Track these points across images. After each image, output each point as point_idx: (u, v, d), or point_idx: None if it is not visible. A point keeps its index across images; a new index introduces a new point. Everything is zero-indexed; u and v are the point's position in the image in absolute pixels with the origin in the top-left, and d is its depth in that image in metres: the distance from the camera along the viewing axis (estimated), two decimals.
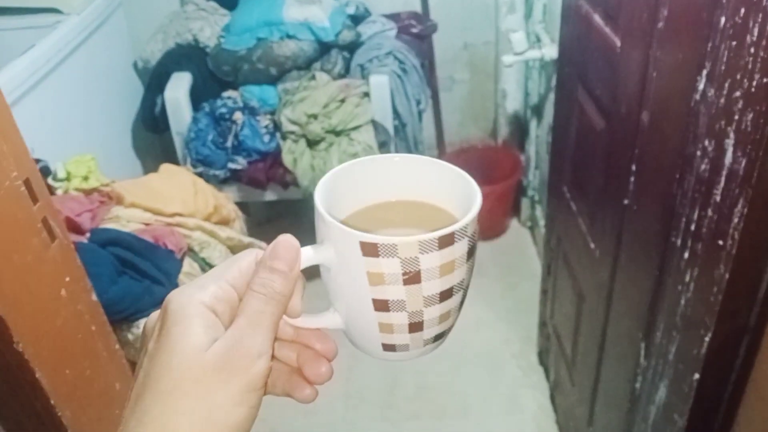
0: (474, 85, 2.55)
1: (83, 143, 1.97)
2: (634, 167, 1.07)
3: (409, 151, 2.09)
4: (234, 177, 2.00)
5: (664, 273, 0.99)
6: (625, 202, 1.11)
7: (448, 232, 0.40)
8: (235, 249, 1.32)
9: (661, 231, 0.98)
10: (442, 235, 0.39)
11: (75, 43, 1.94)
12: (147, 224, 1.22)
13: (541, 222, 2.32)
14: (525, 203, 2.45)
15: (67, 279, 0.76)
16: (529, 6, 2.16)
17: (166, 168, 1.40)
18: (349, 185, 0.47)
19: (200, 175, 1.97)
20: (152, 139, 2.31)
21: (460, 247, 0.41)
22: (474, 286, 1.88)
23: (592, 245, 1.33)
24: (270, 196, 2.05)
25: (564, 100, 1.49)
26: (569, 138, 1.46)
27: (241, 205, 1.90)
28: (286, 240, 0.41)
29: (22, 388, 0.71)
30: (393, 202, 0.49)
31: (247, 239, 1.34)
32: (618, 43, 1.11)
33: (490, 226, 2.46)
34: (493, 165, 2.46)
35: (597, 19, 1.21)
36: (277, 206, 2.49)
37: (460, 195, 0.46)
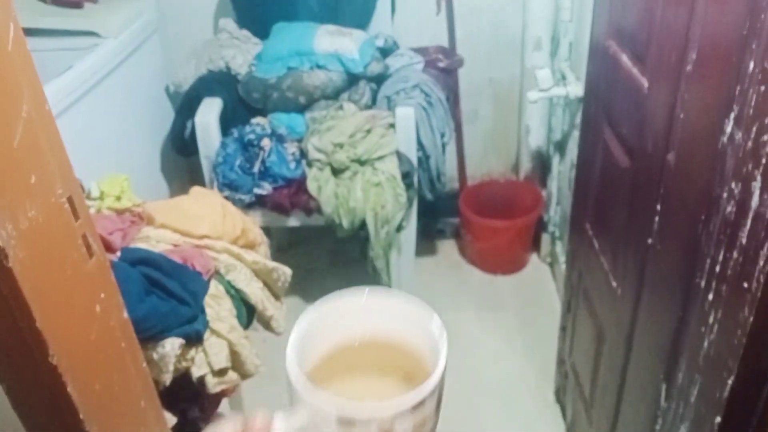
0: (498, 119, 2.57)
1: (115, 163, 2.02)
2: (658, 207, 1.08)
3: (432, 183, 2.11)
4: (259, 202, 2.03)
5: (688, 314, 0.99)
6: (649, 241, 1.12)
7: (420, 399, 0.43)
8: (259, 273, 1.34)
9: (685, 271, 0.98)
10: (415, 404, 0.42)
11: (111, 65, 2.00)
12: (176, 245, 1.25)
13: (561, 258, 2.32)
14: (545, 239, 2.46)
15: (102, 295, 0.78)
16: (555, 44, 2.19)
17: (196, 190, 1.43)
18: (320, 327, 0.50)
19: (226, 199, 2.00)
20: (180, 161, 2.36)
21: (431, 404, 0.44)
22: (492, 319, 1.90)
23: (614, 283, 1.33)
24: (293, 222, 2.08)
25: (589, 137, 1.50)
26: (593, 175, 1.47)
27: (265, 230, 1.92)
28: (264, 416, 0.44)
29: (53, 401, 0.73)
30: (363, 345, 0.52)
31: (272, 264, 1.36)
32: (645, 84, 1.12)
33: (509, 260, 2.46)
34: (514, 199, 2.48)
35: (625, 59, 1.23)
36: (299, 232, 2.52)
37: (428, 335, 0.50)
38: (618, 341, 1.32)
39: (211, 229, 1.30)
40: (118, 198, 1.30)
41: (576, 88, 1.94)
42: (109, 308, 0.81)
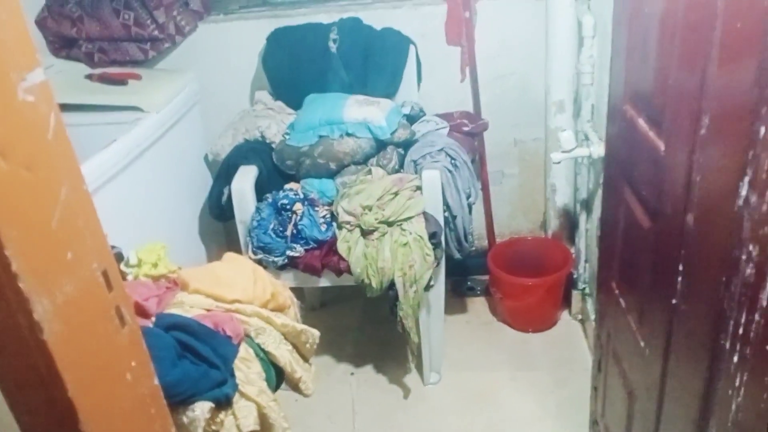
0: (524, 179, 2.61)
1: (155, 228, 2.10)
2: (681, 267, 1.08)
3: (459, 242, 2.14)
4: (291, 263, 2.08)
5: (715, 376, 0.98)
6: (674, 301, 1.12)
7: None
8: (288, 335, 1.37)
9: (710, 333, 0.98)
10: None
11: (153, 138, 2.11)
12: (208, 310, 1.29)
13: (592, 315, 2.30)
14: (575, 296, 2.44)
15: (133, 363, 0.82)
16: (578, 106, 2.24)
17: (229, 256, 1.48)
18: None
19: (260, 261, 2.06)
20: (217, 226, 2.44)
21: None
22: (524, 379, 1.90)
23: (642, 343, 1.32)
24: (324, 282, 2.12)
25: (611, 198, 1.52)
26: (617, 235, 1.48)
27: (297, 291, 1.96)
28: None
29: None
30: None
31: (300, 326, 1.39)
32: (662, 147, 1.15)
33: (540, 318, 2.44)
34: (543, 257, 2.48)
35: (641, 122, 1.26)
36: (331, 292, 2.55)
37: None
38: (649, 402, 1.30)
39: (242, 294, 1.34)
40: (155, 265, 1.36)
41: (599, 149, 1.97)
42: (140, 376, 0.85)
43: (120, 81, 2.26)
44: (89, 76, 2.32)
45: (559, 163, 2.10)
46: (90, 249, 0.75)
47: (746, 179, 0.84)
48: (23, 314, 0.64)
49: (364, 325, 2.59)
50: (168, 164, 2.23)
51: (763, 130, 0.79)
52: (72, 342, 0.71)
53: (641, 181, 1.29)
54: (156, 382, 0.90)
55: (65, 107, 2.18)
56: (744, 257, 0.85)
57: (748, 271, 0.85)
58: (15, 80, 0.61)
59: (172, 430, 0.94)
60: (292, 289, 1.78)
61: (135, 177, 1.99)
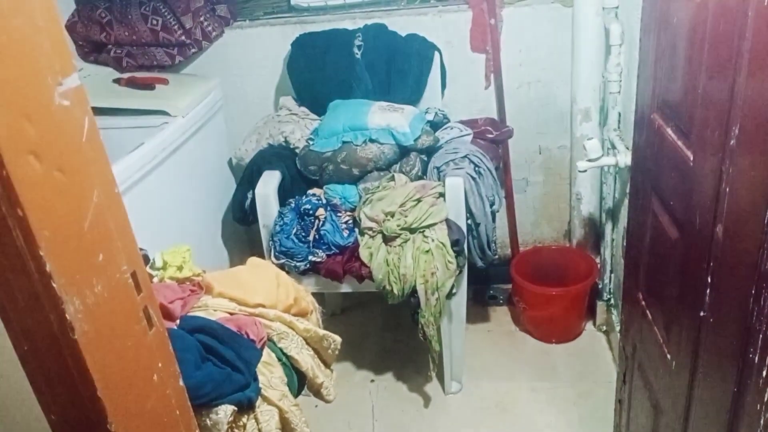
0: (548, 187, 2.59)
1: (180, 231, 2.13)
2: (709, 279, 1.07)
3: (482, 250, 2.13)
4: (313, 269, 2.08)
5: (744, 390, 0.96)
6: (702, 314, 1.10)
7: None
8: (310, 341, 1.38)
9: (739, 346, 0.96)
10: None
11: (179, 142, 2.14)
12: (232, 313, 1.30)
13: (617, 326, 2.27)
14: (600, 307, 2.41)
15: (160, 365, 0.83)
16: (604, 114, 2.22)
17: (252, 261, 1.49)
18: None
19: (282, 266, 2.07)
20: (241, 230, 2.46)
21: None
22: (546, 390, 1.89)
23: (669, 356, 1.30)
24: (346, 288, 2.12)
25: (637, 207, 1.50)
26: (643, 245, 1.46)
27: (318, 296, 1.97)
28: None
29: None
30: None
31: (322, 332, 1.40)
32: (691, 157, 1.13)
33: (564, 329, 2.42)
34: (567, 266, 2.45)
35: (669, 132, 1.25)
36: (353, 297, 2.56)
37: None
38: (675, 416, 1.28)
39: (266, 298, 1.35)
40: (180, 268, 1.37)
41: (626, 158, 1.95)
42: (166, 377, 0.86)
43: (147, 85, 2.30)
44: (117, 81, 2.36)
45: (584, 171, 2.08)
46: (120, 251, 0.76)
47: None
48: (55, 314, 0.66)
49: (384, 332, 2.59)
50: (193, 168, 2.25)
51: None
52: (102, 342, 0.72)
53: (669, 191, 1.28)
54: (181, 383, 0.91)
55: (94, 111, 2.23)
56: None
57: None
58: (52, 85, 0.63)
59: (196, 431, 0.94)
60: (314, 295, 1.79)
61: (161, 180, 2.02)
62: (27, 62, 0.60)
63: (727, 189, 0.98)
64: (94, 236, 0.70)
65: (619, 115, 2.10)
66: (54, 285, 0.64)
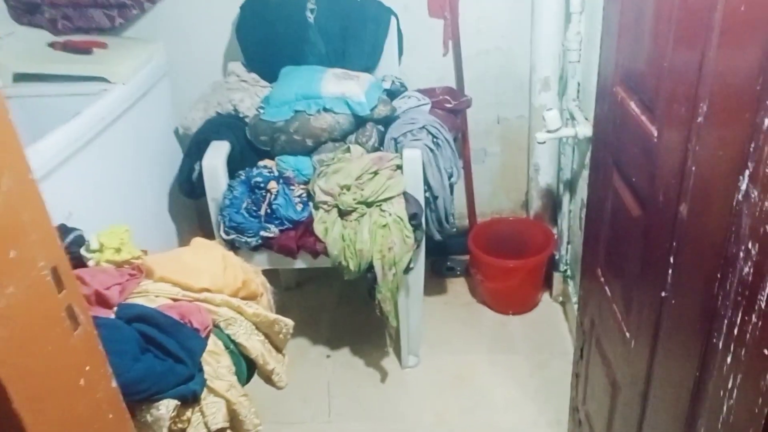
0: (506, 157, 2.55)
1: (121, 208, 2.01)
2: (672, 259, 1.04)
3: (440, 223, 2.08)
4: (266, 244, 2.00)
5: (706, 374, 0.94)
6: (663, 294, 1.08)
7: None
8: (260, 325, 1.31)
9: (702, 330, 0.94)
10: None
11: (120, 110, 2.01)
12: (175, 299, 1.22)
13: (574, 298, 2.27)
14: (557, 278, 2.41)
15: (87, 368, 0.75)
16: (563, 84, 2.18)
17: (197, 242, 1.40)
18: None
19: (232, 242, 1.98)
20: (189, 203, 2.35)
21: None
22: (503, 362, 1.86)
23: (628, 334, 1.28)
24: (300, 264, 2.05)
25: (598, 182, 1.47)
26: (603, 220, 1.43)
27: (272, 271, 1.90)
28: None
29: None
30: None
31: (273, 316, 1.33)
32: (655, 133, 1.09)
33: (521, 300, 2.41)
34: (524, 238, 2.44)
35: (633, 106, 1.20)
36: (307, 272, 2.49)
37: None
38: (633, 394, 1.27)
39: (211, 282, 1.27)
40: (118, 250, 1.28)
41: (585, 129, 1.92)
42: (96, 380, 0.78)
43: (85, 50, 2.14)
44: (52, 44, 2.20)
45: (543, 143, 2.05)
46: (36, 245, 0.67)
47: (746, 173, 0.79)
48: None
49: (340, 306, 2.54)
50: (135, 139, 2.13)
51: (767, 121, 0.74)
52: (16, 349, 0.64)
53: (631, 166, 1.24)
54: (114, 384, 0.83)
55: (26, 77, 2.07)
56: (742, 255, 0.81)
57: (746, 269, 0.80)
58: None
59: None
60: (267, 271, 1.72)
61: (100, 152, 1.90)
62: None
63: (693, 167, 0.95)
64: (3, 230, 0.62)
65: (579, 85, 2.06)
66: None
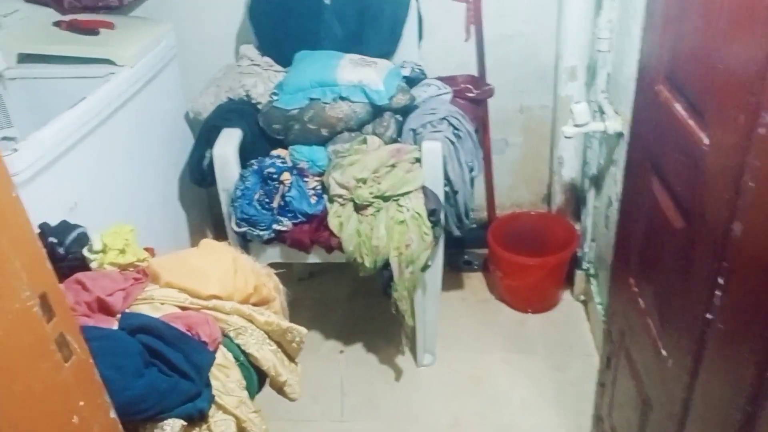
0: (528, 148, 2.45)
1: (130, 195, 1.94)
2: (721, 281, 0.95)
3: (459, 219, 1.99)
4: (278, 237, 1.93)
5: (758, 410, 0.86)
6: (708, 316, 0.99)
7: None
8: (273, 334, 1.24)
9: (755, 362, 0.85)
10: None
11: (127, 95, 1.93)
12: (182, 307, 1.15)
13: (596, 297, 2.18)
14: (579, 276, 2.32)
15: (82, 403, 0.68)
16: (592, 74, 2.07)
17: (206, 244, 1.33)
18: None
19: (244, 234, 1.91)
20: (200, 192, 2.28)
21: None
22: (522, 362, 1.76)
23: (664, 352, 1.19)
24: (313, 258, 1.98)
25: (634, 186, 1.37)
26: (638, 227, 1.34)
27: (284, 263, 1.83)
28: None
29: None
30: None
31: (286, 324, 1.25)
32: (704, 140, 0.99)
33: (541, 298, 2.33)
34: (545, 233, 2.34)
35: (678, 108, 1.10)
36: (321, 263, 2.41)
37: None
38: (668, 415, 1.19)
39: (221, 288, 1.20)
40: (122, 252, 1.21)
41: (615, 123, 1.81)
42: (91, 414, 0.71)
43: (91, 30, 2.06)
44: (58, 24, 2.11)
45: (571, 137, 1.94)
46: (20, 272, 0.60)
47: None
48: None
49: (355, 299, 2.47)
50: (143, 124, 2.05)
51: None
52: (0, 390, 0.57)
53: (674, 174, 1.14)
54: (112, 415, 0.76)
55: (29, 57, 1.99)
56: None
57: None
58: None
59: None
60: (279, 264, 1.64)
61: (106, 139, 1.82)
62: None
63: (751, 183, 0.85)
64: None
65: (608, 76, 1.95)
66: None
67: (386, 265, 1.84)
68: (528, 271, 2.23)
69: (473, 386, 2.07)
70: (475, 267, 2.54)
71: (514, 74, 2.30)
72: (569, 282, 2.35)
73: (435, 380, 2.11)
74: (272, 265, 1.48)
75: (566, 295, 2.38)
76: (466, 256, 2.55)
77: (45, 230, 1.22)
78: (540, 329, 2.26)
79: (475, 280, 2.50)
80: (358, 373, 2.16)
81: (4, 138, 1.92)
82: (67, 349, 0.67)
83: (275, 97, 2.01)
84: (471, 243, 2.52)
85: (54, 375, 0.64)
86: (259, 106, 2.06)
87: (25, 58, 1.98)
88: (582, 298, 2.34)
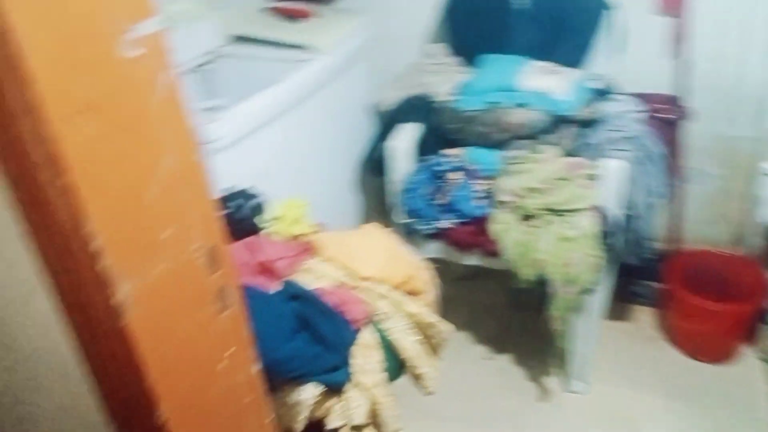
0: (723, 181, 2.21)
1: (307, 176, 2.06)
2: None
3: (634, 247, 1.85)
4: (439, 235, 1.94)
5: None
6: None
7: None
8: (418, 325, 1.25)
9: None
10: None
11: (321, 81, 2.05)
12: (338, 283, 1.20)
13: None
14: (765, 331, 2.05)
15: (231, 351, 0.74)
16: None
17: (369, 228, 1.38)
18: None
19: (408, 227, 1.95)
20: (372, 180, 2.36)
21: None
22: (680, 412, 1.61)
23: None
24: (471, 260, 1.96)
25: None
26: None
27: (441, 261, 1.83)
28: None
29: None
30: None
31: (432, 318, 1.26)
32: None
33: (716, 347, 2.10)
34: (731, 277, 2.11)
35: None
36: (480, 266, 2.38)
37: None
38: None
39: (377, 271, 1.24)
40: (294, 223, 1.29)
41: None
42: (238, 363, 0.76)
43: (295, 17, 2.20)
44: (267, 9, 2.28)
45: None
46: (194, 226, 0.66)
47: None
48: (102, 297, 0.57)
49: (511, 308, 2.40)
50: (331, 110, 2.16)
51: None
52: (160, 326, 0.64)
53: None
54: (256, 368, 0.82)
55: (239, 38, 2.18)
56: None
57: None
58: (116, 30, 0.52)
59: (266, 421, 0.86)
60: (436, 260, 1.64)
61: (296, 120, 1.94)
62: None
63: None
64: (159, 209, 0.60)
65: None
66: (103, 265, 0.55)
67: (546, 280, 1.78)
68: (707, 315, 2.01)
69: (622, 426, 1.93)
70: (647, 301, 2.35)
71: (716, 99, 2.09)
72: (751, 336, 2.09)
73: (583, 410, 1.99)
74: (431, 261, 1.50)
75: (745, 350, 2.12)
76: (637, 288, 2.37)
77: (227, 194, 1.34)
78: (709, 381, 2.04)
79: (643, 314, 2.32)
80: (503, 383, 2.10)
81: (212, 108, 2.14)
82: (224, 302, 0.73)
83: (456, 98, 2.02)
84: (645, 274, 2.33)
85: (211, 320, 0.70)
86: (439, 105, 2.08)
87: (236, 39, 2.18)
88: (765, 357, 2.07)
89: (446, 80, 2.10)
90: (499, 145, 1.97)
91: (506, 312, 2.39)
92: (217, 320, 0.71)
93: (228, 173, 1.52)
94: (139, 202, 0.57)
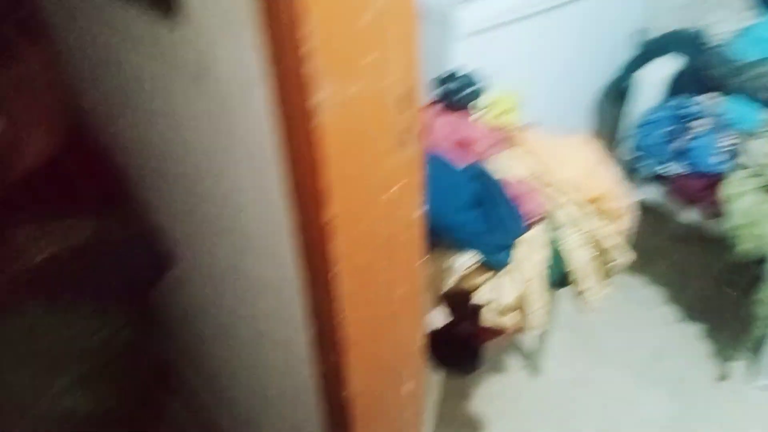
0: None
1: (548, 78, 2.01)
2: None
3: None
4: (663, 180, 1.84)
5: None
6: None
7: None
8: (597, 245, 1.23)
9: None
10: None
11: None
12: (524, 178, 1.23)
13: None
14: None
15: (401, 183, 0.83)
16: None
17: (582, 138, 1.35)
18: None
19: (632, 162, 1.88)
20: (609, 108, 2.25)
21: None
22: None
23: None
24: (684, 216, 1.83)
25: None
26: None
27: (656, 211, 1.72)
28: None
29: (318, 277, 0.83)
30: None
31: (611, 243, 1.23)
32: None
33: None
34: None
35: None
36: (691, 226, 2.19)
37: None
38: None
39: (573, 177, 1.24)
40: (504, 113, 1.34)
41: None
42: (403, 197, 0.86)
43: None
44: None
45: None
46: (393, 61, 0.74)
47: None
48: (301, 98, 0.68)
49: (710, 281, 2.18)
50: (593, 24, 2.05)
51: None
52: (340, 142, 0.74)
53: None
54: (419, 212, 0.91)
55: None
56: None
57: None
58: None
59: (416, 264, 0.95)
60: (647, 207, 1.53)
61: (555, 22, 1.88)
62: None
63: None
64: (367, 35, 0.69)
65: None
66: (310, 65, 0.66)
67: (763, 260, 1.61)
68: None
69: None
70: None
71: None
72: None
73: (762, 407, 1.82)
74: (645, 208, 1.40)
75: None
76: None
77: (452, 74, 1.40)
78: None
79: None
80: (678, 356, 1.97)
81: None
82: (405, 141, 0.82)
83: (731, 42, 1.82)
84: None
85: (385, 155, 0.79)
86: (711, 45, 1.88)
87: None
88: None
89: (729, 21, 1.89)
90: (764, 102, 1.75)
91: (709, 284, 2.18)
92: (395, 155, 0.80)
93: (471, 57, 1.58)
94: (352, 22, 0.67)
